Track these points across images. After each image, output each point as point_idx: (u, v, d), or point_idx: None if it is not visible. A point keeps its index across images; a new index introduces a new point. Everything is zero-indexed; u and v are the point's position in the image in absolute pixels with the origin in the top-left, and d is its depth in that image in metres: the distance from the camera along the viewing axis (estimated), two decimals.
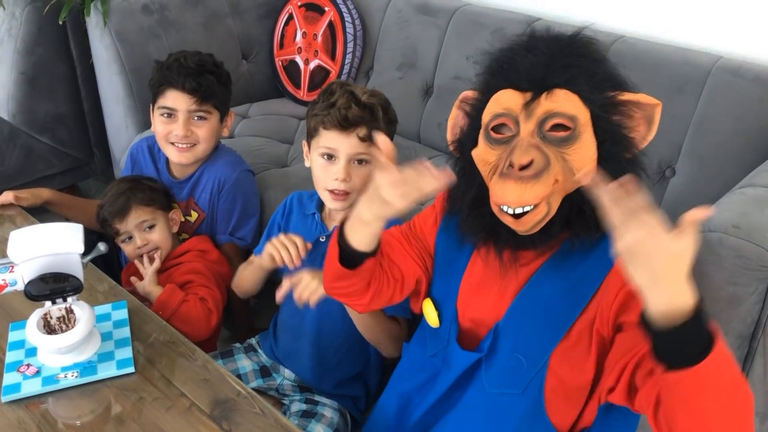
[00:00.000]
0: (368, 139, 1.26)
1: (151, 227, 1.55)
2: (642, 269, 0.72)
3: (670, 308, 0.71)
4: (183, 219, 1.66)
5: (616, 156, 0.91)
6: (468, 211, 0.99)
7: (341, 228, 0.98)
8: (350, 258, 0.98)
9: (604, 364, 0.91)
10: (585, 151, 0.90)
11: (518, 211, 0.89)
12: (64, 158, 2.40)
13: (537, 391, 0.95)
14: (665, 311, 0.72)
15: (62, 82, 2.31)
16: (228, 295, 1.61)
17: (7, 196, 1.58)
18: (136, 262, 1.54)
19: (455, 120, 1.07)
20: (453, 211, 1.05)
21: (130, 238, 1.55)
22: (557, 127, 0.90)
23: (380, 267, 1.04)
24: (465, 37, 1.92)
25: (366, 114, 1.27)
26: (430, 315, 1.08)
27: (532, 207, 0.88)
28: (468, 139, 1.00)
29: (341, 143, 1.28)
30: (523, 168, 0.87)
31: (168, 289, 1.44)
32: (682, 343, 0.72)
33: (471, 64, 1.87)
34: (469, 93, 1.04)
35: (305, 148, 1.40)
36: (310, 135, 1.35)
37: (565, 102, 0.90)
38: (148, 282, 1.47)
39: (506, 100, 0.94)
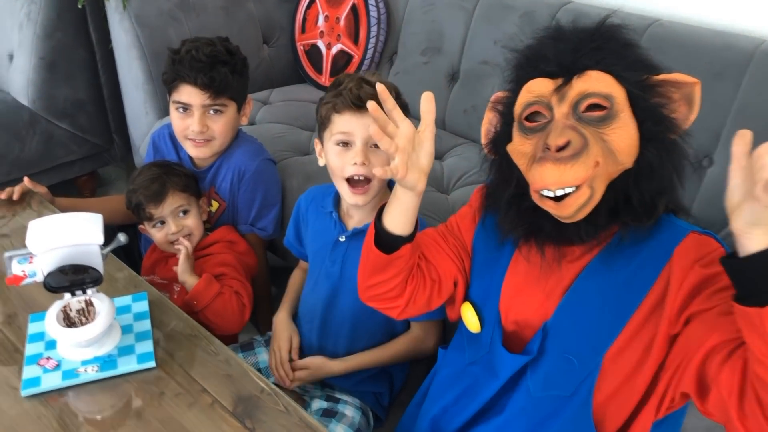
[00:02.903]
0: None
1: (185, 213, 1.52)
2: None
3: None
4: (207, 208, 1.63)
5: (659, 136, 0.87)
6: (507, 207, 0.95)
7: (379, 212, 0.96)
8: (387, 246, 0.96)
9: (664, 364, 0.86)
10: (625, 131, 0.85)
11: (559, 192, 0.85)
12: (84, 144, 2.38)
13: (586, 394, 0.90)
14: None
15: (82, 68, 2.28)
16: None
17: (24, 183, 1.55)
18: (169, 248, 1.51)
19: (488, 123, 1.03)
20: (491, 209, 1.01)
21: (163, 223, 1.52)
22: (593, 107, 0.86)
23: (417, 267, 1.01)
24: (493, 21, 1.86)
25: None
26: (470, 320, 1.04)
27: (573, 189, 0.84)
28: (502, 137, 0.97)
29: (356, 125, 1.21)
30: (560, 149, 0.83)
31: (205, 279, 1.42)
32: None
33: (499, 49, 1.81)
34: (499, 94, 1.01)
35: (317, 146, 1.34)
36: (323, 126, 1.28)
37: (598, 82, 0.86)
38: (181, 270, 1.44)
39: (537, 88, 0.90)
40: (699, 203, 1.51)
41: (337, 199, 1.37)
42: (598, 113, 0.86)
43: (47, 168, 2.30)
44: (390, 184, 1.34)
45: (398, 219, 0.95)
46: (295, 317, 1.48)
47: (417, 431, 1.11)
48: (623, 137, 0.85)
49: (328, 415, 1.30)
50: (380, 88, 0.87)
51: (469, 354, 1.06)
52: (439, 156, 1.86)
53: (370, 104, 0.86)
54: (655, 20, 1.64)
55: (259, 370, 1.42)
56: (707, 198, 1.50)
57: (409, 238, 0.96)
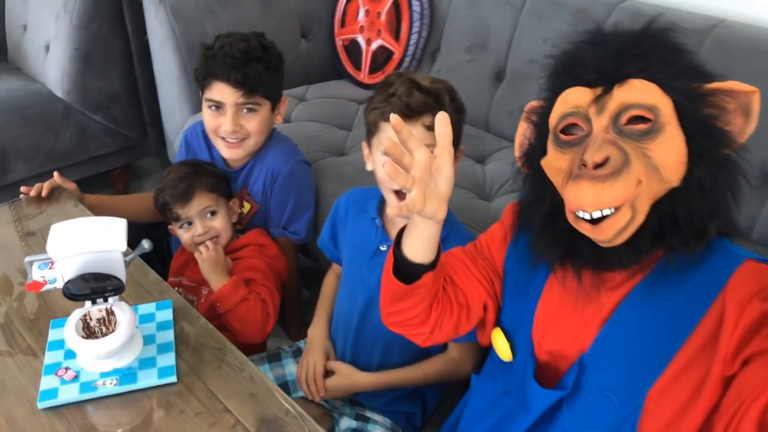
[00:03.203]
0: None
1: (213, 214, 1.47)
2: None
3: None
4: (239, 210, 1.57)
5: (711, 151, 0.78)
6: (541, 227, 0.87)
7: (398, 238, 0.88)
8: (408, 274, 0.88)
9: (718, 408, 0.76)
10: (670, 146, 0.76)
11: (596, 215, 0.77)
12: (118, 137, 2.35)
13: None
14: None
15: (117, 59, 2.25)
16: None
17: (54, 179, 1.51)
18: (196, 249, 1.46)
19: (522, 134, 0.95)
20: (524, 227, 0.92)
21: (190, 224, 1.47)
22: (635, 120, 0.77)
23: (443, 291, 0.93)
24: (543, 18, 1.76)
25: (431, 100, 1.13)
26: (501, 347, 0.96)
27: (612, 211, 0.76)
28: (536, 150, 0.89)
29: None
30: (598, 166, 0.75)
31: (233, 281, 1.37)
32: None
33: (549, 48, 1.70)
34: (534, 103, 0.92)
35: (365, 150, 1.27)
36: (370, 132, 1.22)
37: (641, 92, 0.78)
38: (206, 271, 1.39)
39: (574, 98, 0.82)
40: (764, 222, 1.40)
41: (381, 205, 1.29)
42: (641, 126, 0.77)
43: (80, 161, 2.28)
44: None
45: (418, 247, 0.86)
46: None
47: None
48: (669, 153, 0.76)
49: None
50: (441, 119, 0.78)
51: (501, 383, 0.98)
52: (481, 160, 1.78)
53: (393, 128, 0.77)
54: (721, 21, 1.52)
55: (286, 383, 1.36)
56: None
57: (431, 266, 0.88)
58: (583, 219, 0.78)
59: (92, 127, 2.25)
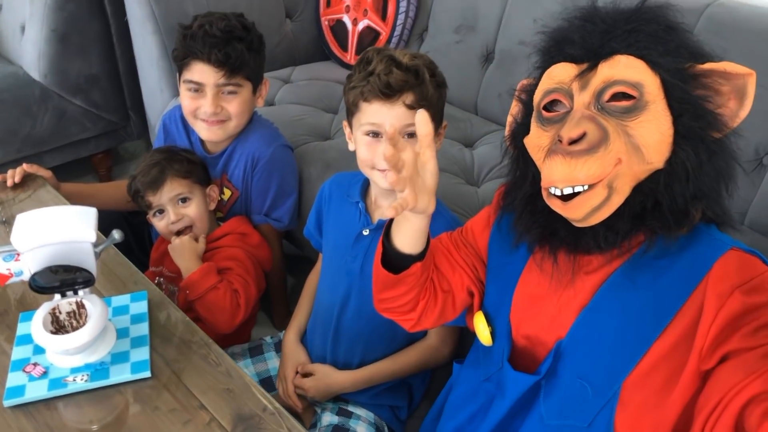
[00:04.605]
0: (416, 107, 1.09)
1: (186, 201, 1.43)
2: None
3: None
4: (219, 197, 1.52)
5: (698, 133, 0.75)
6: (522, 207, 0.85)
7: (386, 230, 0.87)
8: (396, 264, 0.88)
9: (696, 403, 0.74)
10: (654, 125, 0.74)
11: (567, 191, 0.75)
12: (99, 121, 2.29)
13: (605, 427, 0.79)
14: None
15: (96, 41, 2.18)
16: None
17: (24, 168, 1.46)
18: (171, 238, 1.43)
19: (512, 113, 0.93)
20: (508, 209, 0.91)
21: (162, 212, 1.42)
22: (619, 96, 0.74)
23: (430, 280, 0.91)
24: None
25: (410, 77, 1.10)
26: (482, 332, 0.94)
27: (585, 188, 0.73)
28: (521, 128, 0.87)
29: (386, 116, 1.11)
30: (573, 142, 0.73)
31: (203, 269, 1.33)
32: None
33: (538, 28, 1.65)
34: (524, 81, 0.90)
35: (347, 130, 1.23)
36: (350, 112, 1.19)
37: (626, 68, 0.75)
38: (180, 255, 1.36)
39: (558, 74, 0.80)
40: (756, 208, 1.37)
41: (365, 188, 1.26)
42: (624, 103, 0.75)
43: (61, 145, 2.22)
44: None
45: (408, 240, 0.86)
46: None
47: None
48: (652, 132, 0.74)
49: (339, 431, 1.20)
50: (420, 119, 0.75)
51: (483, 370, 0.97)
52: (469, 144, 1.74)
53: (388, 140, 0.75)
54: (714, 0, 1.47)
55: (270, 377, 1.33)
56: (767, 199, 1.35)
57: (420, 256, 0.87)
58: (555, 195, 0.76)
59: (72, 111, 2.19)
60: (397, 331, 1.24)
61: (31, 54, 2.12)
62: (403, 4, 1.95)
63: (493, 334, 0.94)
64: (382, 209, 1.23)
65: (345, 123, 1.24)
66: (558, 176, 0.74)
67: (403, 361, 1.24)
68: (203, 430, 0.92)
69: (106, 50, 2.22)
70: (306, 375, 1.29)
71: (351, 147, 1.23)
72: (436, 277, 0.95)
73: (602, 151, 0.72)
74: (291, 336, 1.36)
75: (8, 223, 1.33)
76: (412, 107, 1.10)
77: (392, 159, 0.73)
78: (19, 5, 2.17)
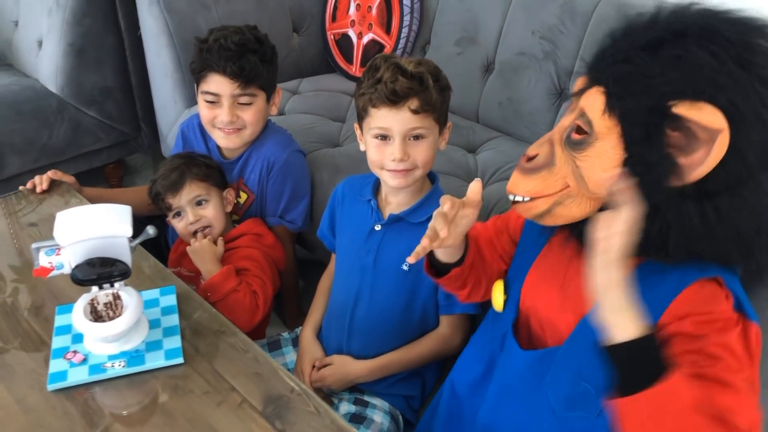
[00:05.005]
0: (421, 111, 1.18)
1: (204, 203, 1.50)
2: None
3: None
4: (236, 200, 1.60)
5: (647, 178, 0.75)
6: None
7: None
8: (439, 269, 1.02)
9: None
10: (596, 161, 0.79)
11: (512, 198, 0.89)
12: (111, 132, 2.36)
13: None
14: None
15: (110, 55, 2.26)
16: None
17: (49, 174, 1.53)
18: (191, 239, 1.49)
19: None
20: None
21: (181, 213, 1.50)
22: (580, 128, 0.81)
23: (474, 268, 1.03)
24: (531, 10, 1.79)
25: (415, 84, 1.18)
26: (497, 298, 1.03)
27: (527, 199, 0.86)
28: None
29: (393, 121, 1.19)
30: (529, 159, 0.86)
31: (224, 272, 1.39)
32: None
33: (537, 39, 1.75)
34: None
35: (358, 131, 1.32)
36: (361, 116, 1.27)
37: (589, 104, 0.80)
38: (200, 259, 1.42)
39: (577, 86, 0.86)
40: None
41: (376, 187, 1.34)
42: (577, 137, 0.81)
43: (75, 155, 2.29)
44: (430, 176, 1.33)
45: (445, 256, 1.00)
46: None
47: (439, 413, 1.14)
48: (593, 166, 0.79)
49: (356, 420, 1.26)
50: (474, 188, 0.92)
51: (490, 333, 1.07)
52: (472, 150, 1.81)
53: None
54: None
55: (288, 370, 1.39)
56: None
57: (459, 263, 1.00)
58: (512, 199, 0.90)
59: (86, 122, 2.27)
60: (410, 324, 1.31)
61: (48, 68, 2.20)
62: (406, 18, 2.04)
63: (505, 302, 1.02)
64: (392, 206, 1.31)
65: (356, 126, 1.32)
66: (510, 184, 0.89)
67: (416, 350, 1.31)
68: (236, 409, 0.98)
69: (120, 64, 2.30)
70: (323, 368, 1.35)
71: (362, 147, 1.31)
72: (481, 265, 1.05)
73: (545, 173, 0.84)
74: (308, 332, 1.42)
75: (37, 225, 1.40)
76: (417, 112, 1.18)
77: (452, 211, 0.88)
78: (35, 22, 2.25)
